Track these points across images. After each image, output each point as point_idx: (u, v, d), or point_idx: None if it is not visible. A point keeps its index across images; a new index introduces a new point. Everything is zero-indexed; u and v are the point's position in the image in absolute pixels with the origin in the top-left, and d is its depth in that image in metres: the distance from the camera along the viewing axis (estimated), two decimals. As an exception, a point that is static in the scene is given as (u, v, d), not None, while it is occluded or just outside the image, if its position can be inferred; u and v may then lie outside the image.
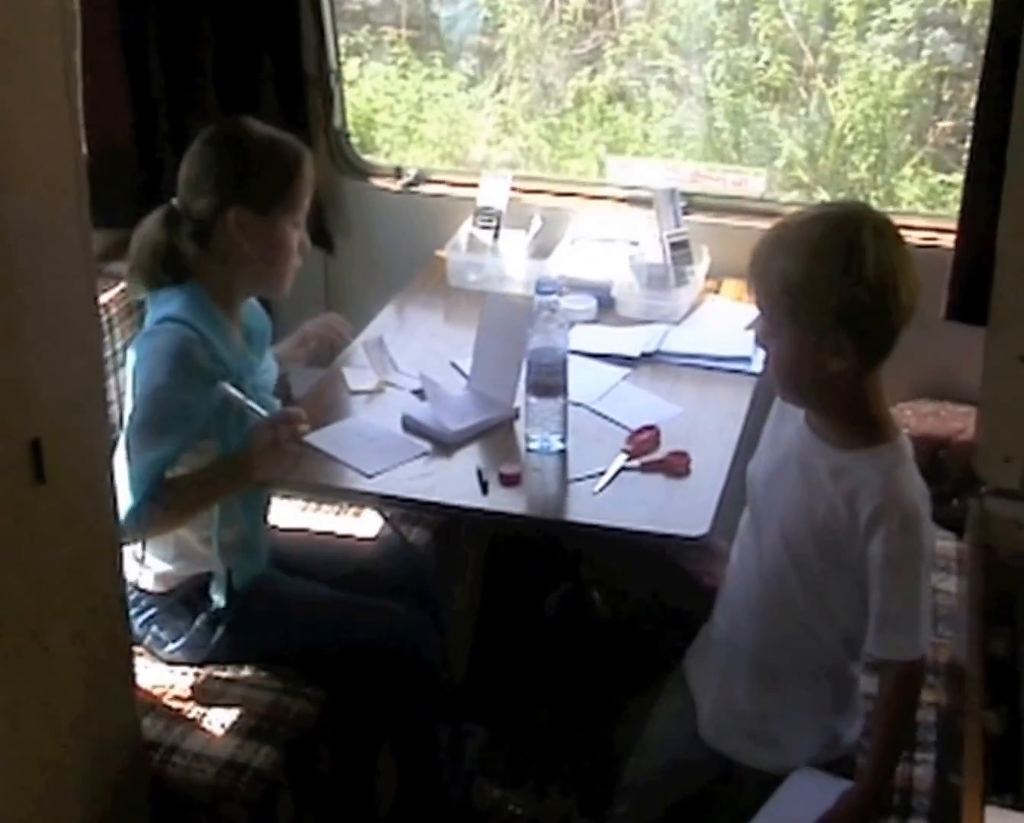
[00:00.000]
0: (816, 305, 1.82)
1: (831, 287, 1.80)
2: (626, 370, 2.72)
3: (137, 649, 2.37)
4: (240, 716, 2.31)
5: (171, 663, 2.43)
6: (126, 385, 2.39)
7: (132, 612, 2.36)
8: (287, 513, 2.75)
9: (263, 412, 2.34)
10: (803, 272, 1.82)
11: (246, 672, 2.41)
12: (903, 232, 2.97)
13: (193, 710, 2.33)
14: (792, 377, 1.94)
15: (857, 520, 1.90)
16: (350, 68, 4.29)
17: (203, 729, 2.29)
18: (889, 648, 1.92)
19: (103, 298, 2.64)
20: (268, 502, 2.54)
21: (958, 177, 2.83)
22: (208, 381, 2.29)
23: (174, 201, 2.40)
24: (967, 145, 2.72)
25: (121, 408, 2.65)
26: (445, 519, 2.81)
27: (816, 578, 1.99)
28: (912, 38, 4.05)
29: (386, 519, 2.74)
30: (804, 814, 1.94)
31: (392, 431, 2.48)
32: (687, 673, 2.22)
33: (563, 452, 2.41)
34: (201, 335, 2.30)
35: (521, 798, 2.70)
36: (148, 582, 2.41)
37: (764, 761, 2.09)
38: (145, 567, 2.40)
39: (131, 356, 2.35)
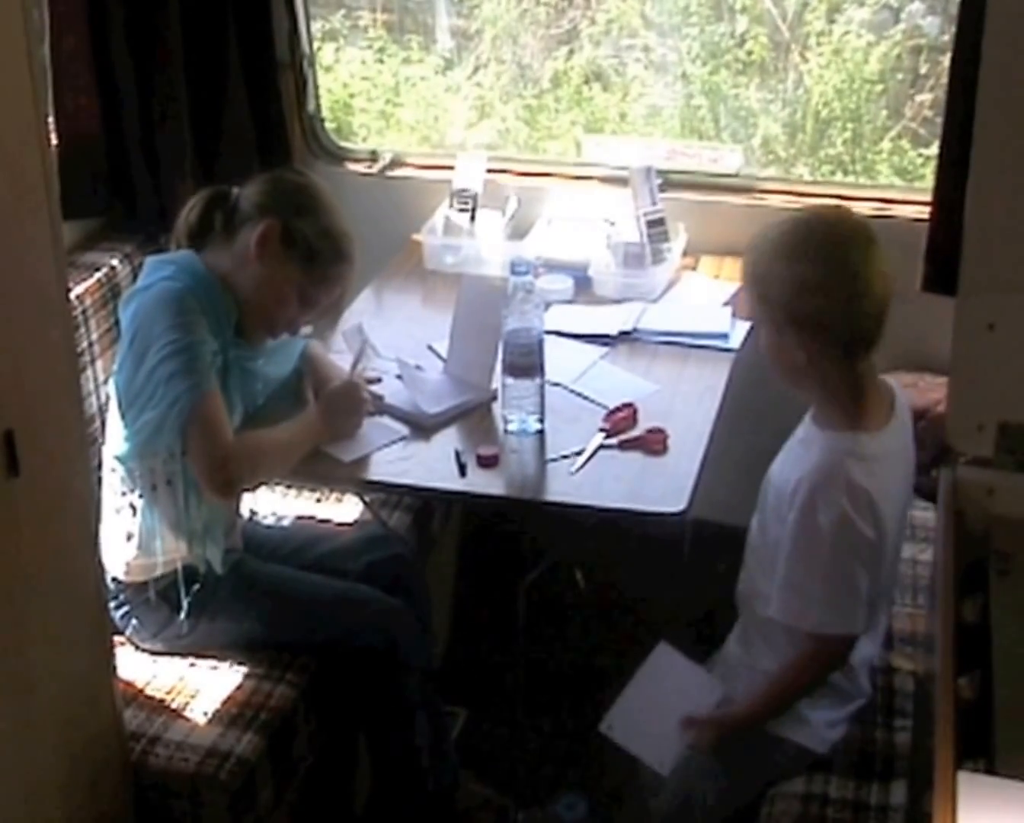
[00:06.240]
0: (772, 302, 1.98)
1: (780, 286, 1.96)
2: (604, 349, 2.72)
3: (119, 639, 2.37)
4: (221, 704, 2.32)
5: (153, 653, 2.43)
6: (120, 344, 2.36)
7: (112, 604, 2.37)
8: (268, 499, 2.75)
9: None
10: (762, 271, 1.99)
11: (226, 660, 2.41)
12: (880, 206, 3.06)
13: (175, 700, 2.33)
14: (777, 369, 2.05)
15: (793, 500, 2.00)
16: (326, 53, 4.28)
17: (185, 718, 2.29)
18: (784, 611, 2.01)
19: (78, 289, 2.65)
20: None
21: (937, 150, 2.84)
22: (206, 328, 2.27)
23: (235, 188, 2.41)
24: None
25: (99, 399, 2.65)
26: (424, 503, 2.82)
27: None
28: (887, 12, 4.04)
29: (366, 504, 2.74)
30: (665, 691, 2.10)
31: (369, 416, 2.47)
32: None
33: (541, 432, 2.41)
34: (193, 294, 2.28)
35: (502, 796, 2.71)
36: (126, 573, 2.41)
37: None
38: (121, 558, 2.40)
39: (124, 313, 2.32)
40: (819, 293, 1.93)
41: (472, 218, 3.10)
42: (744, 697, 2.10)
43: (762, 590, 2.09)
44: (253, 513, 2.66)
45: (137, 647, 2.44)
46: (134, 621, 2.43)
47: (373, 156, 3.39)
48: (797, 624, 2.01)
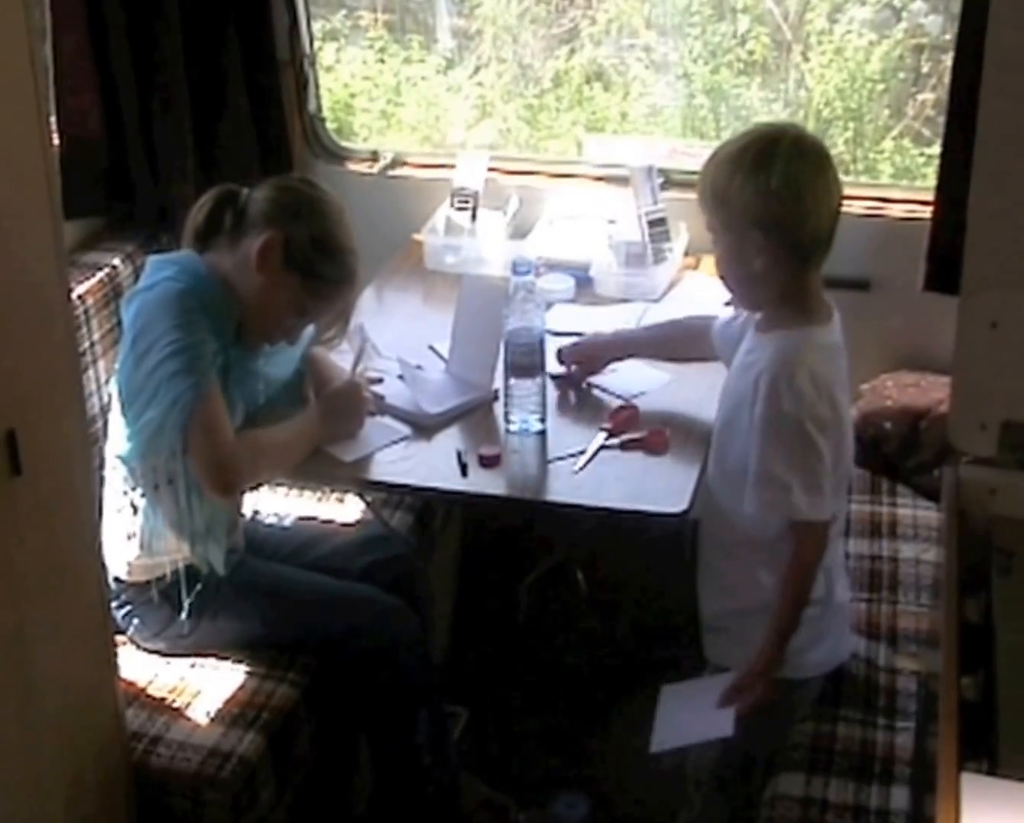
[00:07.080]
0: (734, 210, 2.08)
1: (743, 193, 2.05)
2: (605, 349, 2.71)
3: (121, 639, 2.37)
4: (223, 704, 2.31)
5: (154, 653, 2.43)
6: (121, 343, 2.35)
7: (114, 604, 2.36)
8: (270, 499, 2.75)
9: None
10: (724, 181, 2.08)
11: (228, 660, 2.41)
12: (882, 205, 3.06)
13: (176, 699, 2.33)
14: (731, 278, 2.16)
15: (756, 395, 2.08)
16: (327, 53, 4.27)
17: (186, 718, 2.29)
18: (759, 504, 2.07)
19: (79, 289, 2.65)
20: None
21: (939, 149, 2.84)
22: (208, 328, 2.26)
23: (246, 190, 2.38)
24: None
25: (101, 399, 2.65)
26: (426, 503, 2.81)
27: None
28: (888, 11, 4.04)
29: (367, 504, 2.74)
30: (692, 699, 2.14)
31: (371, 416, 2.47)
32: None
33: (542, 432, 2.41)
34: (195, 295, 2.27)
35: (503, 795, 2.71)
36: (128, 573, 2.41)
37: None
38: (123, 558, 2.40)
39: (126, 313, 2.31)
40: (783, 199, 2.03)
41: (473, 218, 3.10)
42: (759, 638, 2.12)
43: (733, 511, 2.15)
44: (255, 513, 2.66)
45: (139, 647, 2.44)
46: (136, 621, 2.43)
47: (374, 156, 3.39)
48: (775, 514, 2.07)
